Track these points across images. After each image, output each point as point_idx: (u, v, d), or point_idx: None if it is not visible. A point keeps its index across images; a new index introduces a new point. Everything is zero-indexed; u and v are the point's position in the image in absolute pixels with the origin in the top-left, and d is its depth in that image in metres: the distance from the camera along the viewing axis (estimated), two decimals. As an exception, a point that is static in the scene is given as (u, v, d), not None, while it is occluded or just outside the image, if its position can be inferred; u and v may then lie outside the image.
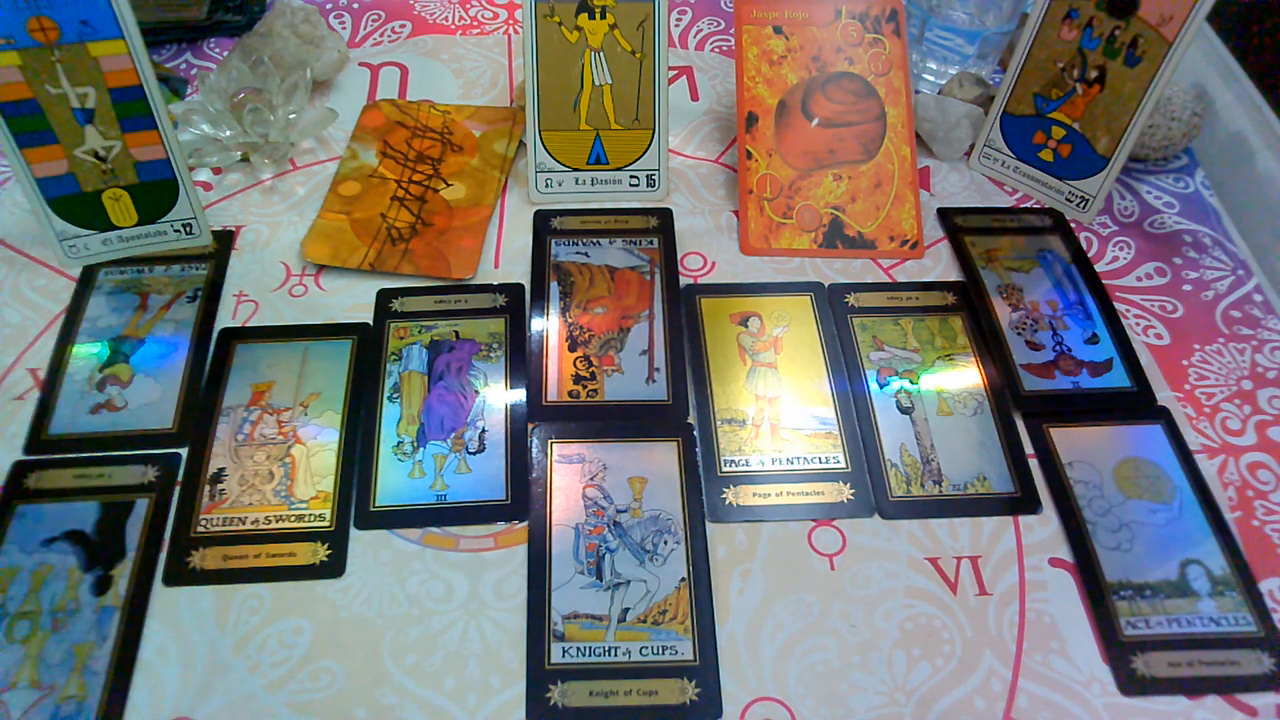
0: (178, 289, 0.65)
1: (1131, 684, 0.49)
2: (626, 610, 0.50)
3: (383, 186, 0.72)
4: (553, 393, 0.60)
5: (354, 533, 0.53)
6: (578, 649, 0.49)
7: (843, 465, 0.57)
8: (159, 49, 0.85)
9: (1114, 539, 0.54)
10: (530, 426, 0.58)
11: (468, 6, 0.92)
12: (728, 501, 0.55)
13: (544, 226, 0.70)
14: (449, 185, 0.73)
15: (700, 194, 0.74)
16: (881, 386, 0.61)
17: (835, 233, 0.70)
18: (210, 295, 0.65)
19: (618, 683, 0.48)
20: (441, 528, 0.54)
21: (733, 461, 0.57)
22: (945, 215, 0.72)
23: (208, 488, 0.55)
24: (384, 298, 0.65)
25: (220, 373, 0.60)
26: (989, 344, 0.63)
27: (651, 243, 0.69)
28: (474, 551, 0.53)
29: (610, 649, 0.49)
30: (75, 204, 0.63)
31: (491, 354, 0.62)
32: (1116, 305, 0.66)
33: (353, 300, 0.65)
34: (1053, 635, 0.51)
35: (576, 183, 0.72)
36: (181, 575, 0.51)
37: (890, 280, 0.68)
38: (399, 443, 0.57)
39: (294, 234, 0.69)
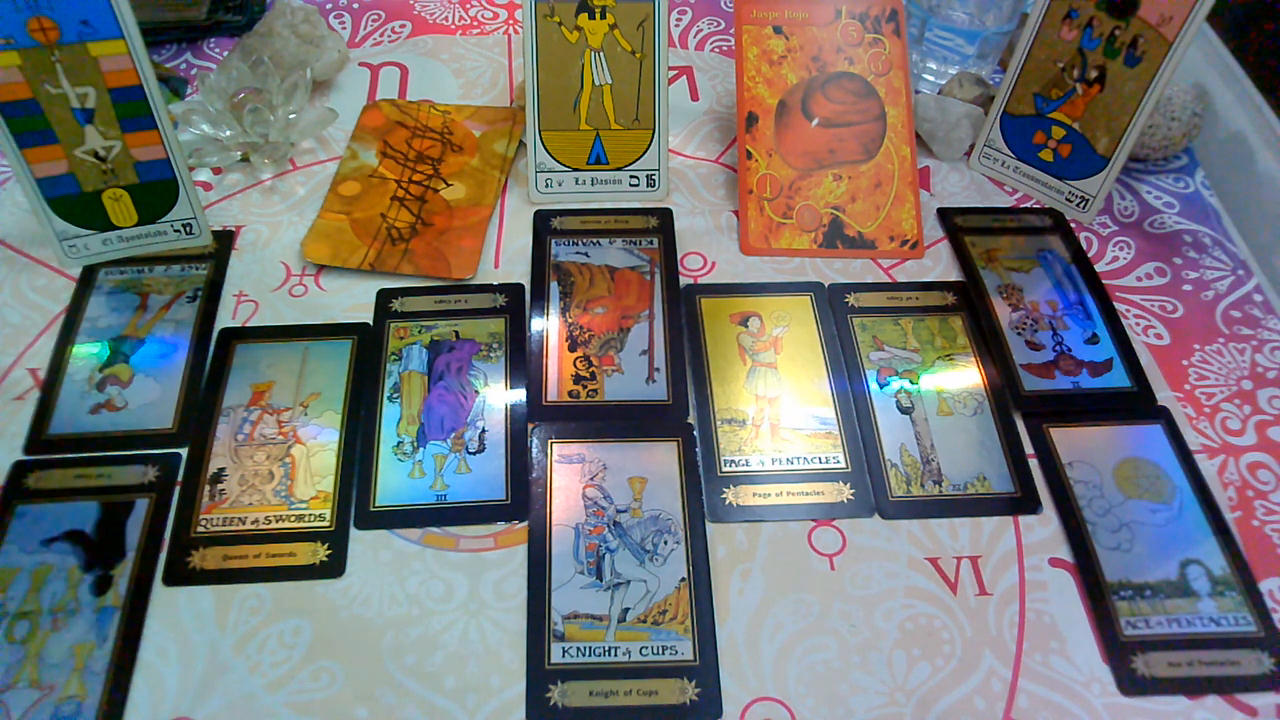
0: (178, 289, 0.65)
1: (1131, 684, 0.49)
2: (626, 610, 0.50)
3: (383, 186, 0.72)
4: (553, 393, 0.60)
5: (354, 533, 0.53)
6: (578, 649, 0.49)
7: (843, 465, 0.57)
8: (159, 49, 0.85)
9: (1114, 539, 0.54)
10: (530, 426, 0.58)
11: (468, 6, 0.92)
12: (728, 501, 0.55)
13: (544, 226, 0.70)
14: (449, 185, 0.73)
15: (700, 194, 0.74)
16: (881, 386, 0.61)
17: (835, 233, 0.70)
18: (210, 295, 0.65)
19: (618, 683, 0.48)
20: (441, 528, 0.54)
21: (733, 461, 0.57)
22: (945, 215, 0.72)
23: (208, 488, 0.55)
24: (384, 298, 0.65)
25: (220, 373, 0.60)
26: (989, 344, 0.63)
27: (651, 243, 0.69)
28: (474, 551, 0.53)
29: (610, 649, 0.49)
30: (75, 204, 0.63)
31: (491, 354, 0.62)
32: (1116, 305, 0.66)
33: (353, 300, 0.65)
34: (1053, 635, 0.51)
35: (576, 183, 0.72)
36: (181, 575, 0.51)
37: (890, 280, 0.68)
38: (399, 443, 0.57)
39: (294, 234, 0.69)
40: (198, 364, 0.61)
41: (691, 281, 0.67)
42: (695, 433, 0.58)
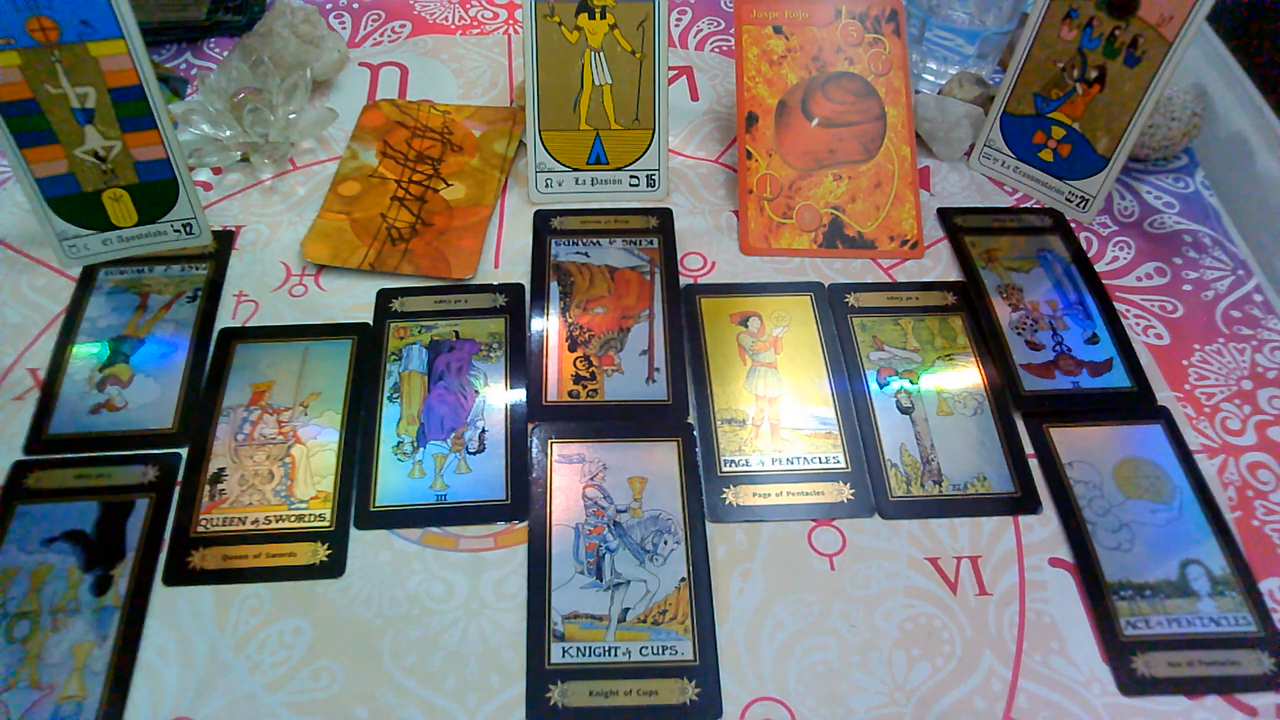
0: (178, 289, 0.65)
1: (1131, 684, 0.49)
2: (626, 610, 0.50)
3: (383, 186, 0.72)
4: (553, 393, 0.60)
5: (354, 533, 0.53)
6: (578, 649, 0.49)
7: (843, 465, 0.57)
8: (159, 49, 0.85)
9: (1114, 539, 0.54)
10: (530, 426, 0.58)
11: (468, 6, 0.92)
12: (728, 501, 0.55)
13: (544, 226, 0.70)
14: (449, 185, 0.73)
15: (700, 194, 0.74)
16: (881, 386, 0.61)
17: (835, 233, 0.70)
18: (210, 295, 0.65)
19: (618, 683, 0.48)
20: (441, 528, 0.54)
21: (733, 461, 0.57)
22: (945, 215, 0.72)
23: (208, 488, 0.55)
24: (384, 298, 0.65)
25: (220, 373, 0.60)
26: (989, 344, 0.63)
27: (651, 243, 0.69)
28: (474, 551, 0.53)
29: (610, 649, 0.49)
30: (75, 204, 0.63)
31: (491, 354, 0.62)
32: (1116, 305, 0.66)
33: (353, 300, 0.65)
34: (1053, 635, 0.51)
35: (576, 183, 0.72)
36: (181, 575, 0.51)
37: (890, 280, 0.68)
38: (399, 443, 0.57)
39: (294, 234, 0.69)
40: (198, 364, 0.61)
41: (691, 281, 0.67)
42: (695, 433, 0.58)
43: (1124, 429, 0.59)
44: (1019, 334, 0.64)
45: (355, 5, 0.91)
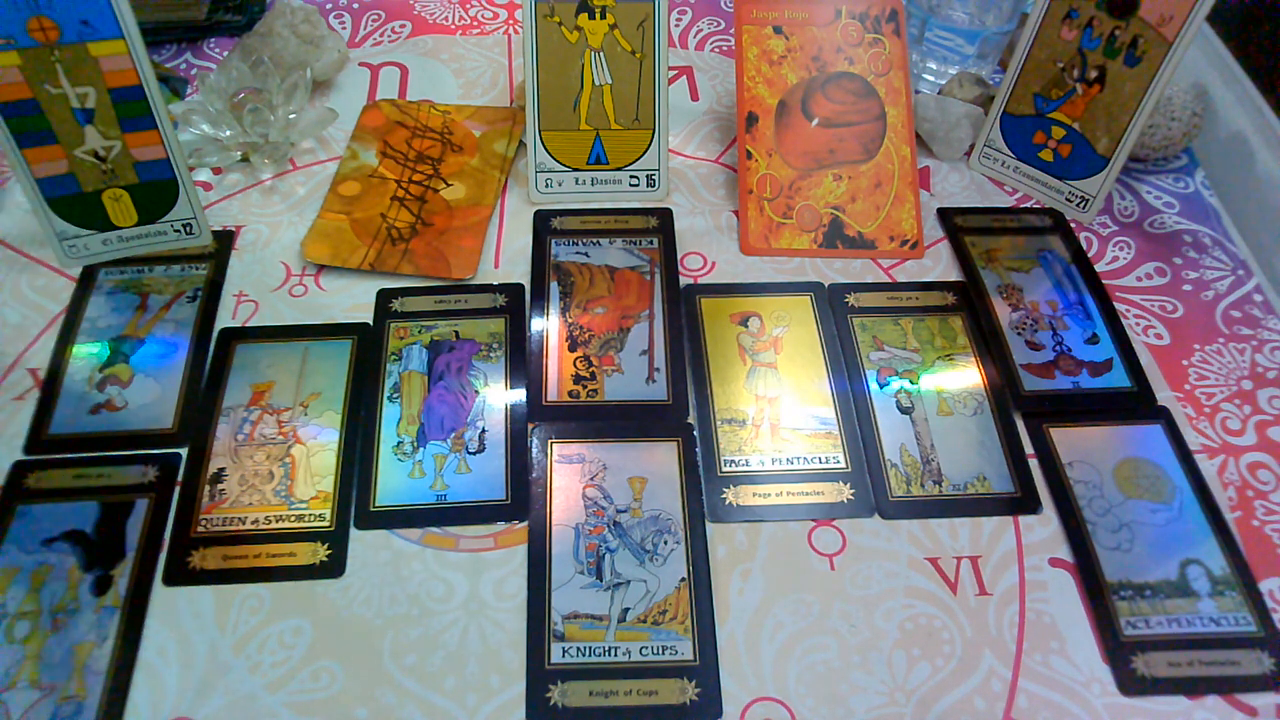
0: (178, 289, 0.65)
1: (1131, 684, 0.49)
2: (626, 610, 0.50)
3: (383, 186, 0.72)
4: (553, 393, 0.60)
5: (354, 533, 0.53)
6: (578, 649, 0.49)
7: (843, 465, 0.57)
8: (159, 49, 0.85)
9: (1114, 539, 0.54)
10: (530, 426, 0.58)
11: (468, 6, 0.92)
12: (728, 501, 0.55)
13: (544, 226, 0.70)
14: (449, 185, 0.73)
15: (700, 194, 0.74)
16: (881, 386, 0.61)
17: (835, 233, 0.70)
18: (210, 295, 0.65)
19: (618, 683, 0.48)
20: (441, 528, 0.54)
21: (733, 461, 0.57)
22: (945, 215, 0.72)
23: (208, 488, 0.55)
24: (384, 298, 0.65)
25: (220, 373, 0.60)
26: (989, 344, 0.63)
27: (651, 243, 0.69)
28: (474, 551, 0.53)
29: (610, 649, 0.49)
30: (75, 204, 0.63)
31: (491, 354, 0.62)
32: (1116, 305, 0.66)
33: (353, 300, 0.65)
34: (1053, 635, 0.51)
35: (576, 183, 0.72)
36: (181, 575, 0.51)
37: (890, 280, 0.68)
38: (399, 443, 0.57)
39: (294, 234, 0.69)
40: (198, 364, 0.61)
41: (691, 281, 0.67)
42: (695, 433, 0.58)
43: (1124, 429, 0.59)
44: (1019, 334, 0.64)
45: (355, 5, 0.91)
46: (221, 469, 0.56)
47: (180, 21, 0.85)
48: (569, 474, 0.56)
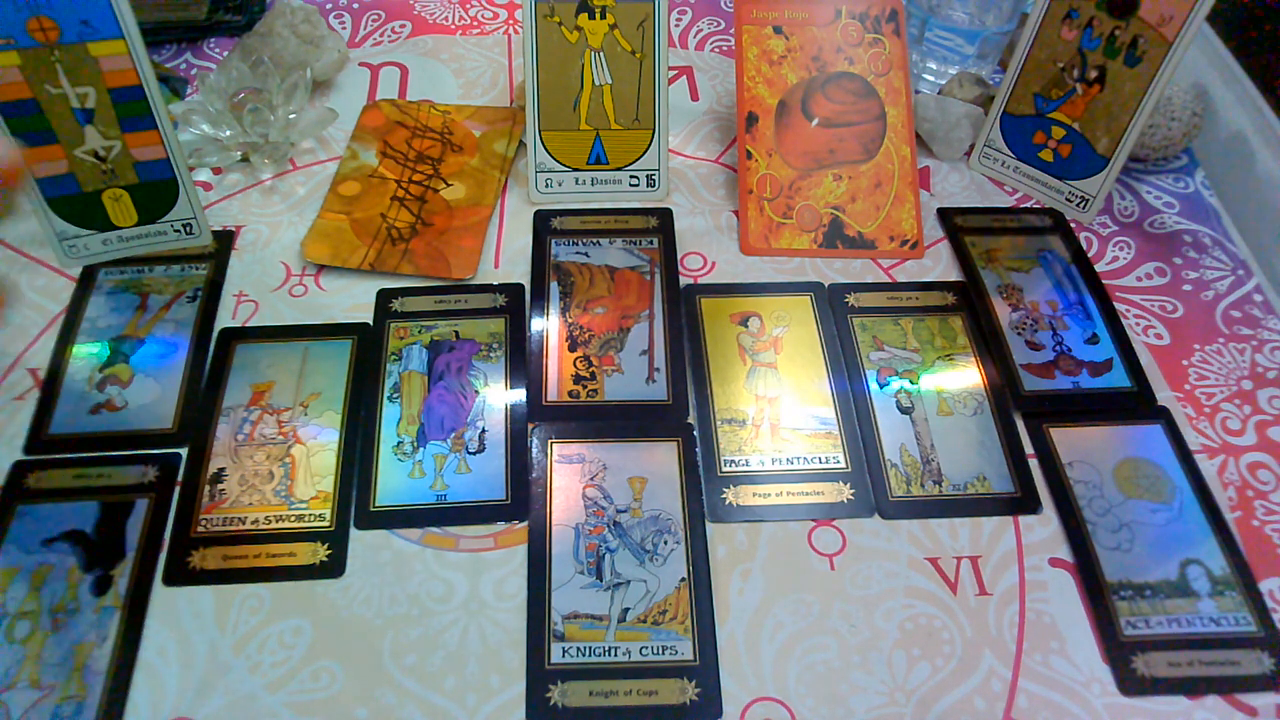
0: (178, 289, 0.65)
1: (1131, 684, 0.49)
2: (626, 610, 0.50)
3: (383, 186, 0.72)
4: (553, 393, 0.60)
5: (354, 533, 0.53)
6: (578, 649, 0.49)
7: (843, 465, 0.57)
8: (159, 49, 0.85)
9: (1114, 539, 0.54)
10: (530, 426, 0.58)
11: (468, 6, 0.92)
12: (728, 501, 0.55)
13: (544, 226, 0.70)
14: (449, 185, 0.73)
15: (700, 194, 0.74)
16: (881, 386, 0.61)
17: (835, 233, 0.70)
18: (210, 295, 0.65)
19: (618, 683, 0.48)
20: (441, 528, 0.54)
21: (733, 461, 0.57)
22: (945, 215, 0.72)
23: (208, 488, 0.55)
24: (384, 298, 0.65)
25: (220, 373, 0.60)
26: (989, 344, 0.63)
27: (651, 243, 0.69)
28: (474, 551, 0.53)
29: (610, 649, 0.49)
30: (75, 204, 0.63)
31: (491, 354, 0.62)
32: (1116, 305, 0.66)
33: (353, 300, 0.65)
34: (1053, 635, 0.51)
35: (576, 183, 0.72)
36: (181, 575, 0.51)
37: (890, 280, 0.68)
38: (399, 443, 0.57)
39: (294, 234, 0.69)
40: (198, 364, 0.61)
41: (691, 281, 0.67)
42: (695, 433, 0.58)
43: (1124, 429, 0.59)
44: (1019, 334, 0.64)
45: (355, 5, 0.91)
46: (221, 469, 0.56)
47: (180, 21, 0.85)
48: (569, 474, 0.56)
